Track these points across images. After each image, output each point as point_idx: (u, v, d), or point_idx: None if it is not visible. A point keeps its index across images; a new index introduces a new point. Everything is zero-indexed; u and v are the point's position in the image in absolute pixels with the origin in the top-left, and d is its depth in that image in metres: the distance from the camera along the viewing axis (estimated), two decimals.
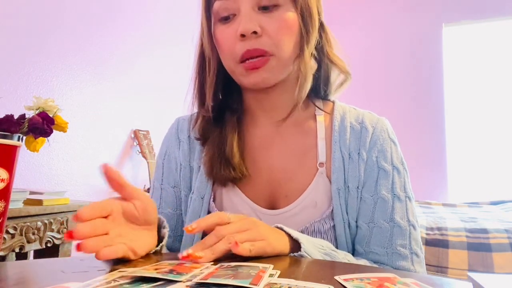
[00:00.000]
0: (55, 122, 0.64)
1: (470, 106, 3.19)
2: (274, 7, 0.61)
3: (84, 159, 1.89)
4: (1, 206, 0.47)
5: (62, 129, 0.68)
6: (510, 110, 3.07)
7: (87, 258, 0.49)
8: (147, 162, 2.16)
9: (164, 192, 0.73)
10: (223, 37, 0.63)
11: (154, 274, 0.38)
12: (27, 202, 1.22)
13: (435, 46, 3.28)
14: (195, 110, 0.72)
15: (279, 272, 0.40)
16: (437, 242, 1.51)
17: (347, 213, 0.64)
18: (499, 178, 3.01)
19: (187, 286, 0.35)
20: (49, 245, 1.24)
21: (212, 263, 0.45)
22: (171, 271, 0.40)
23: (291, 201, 0.64)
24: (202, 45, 0.69)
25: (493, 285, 0.32)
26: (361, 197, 0.65)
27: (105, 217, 0.46)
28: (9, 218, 1.10)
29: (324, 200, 0.64)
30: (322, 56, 0.69)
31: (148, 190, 1.04)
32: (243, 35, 0.59)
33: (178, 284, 0.35)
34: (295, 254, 0.51)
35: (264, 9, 0.61)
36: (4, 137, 0.51)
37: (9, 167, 0.48)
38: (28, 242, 1.17)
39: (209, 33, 0.65)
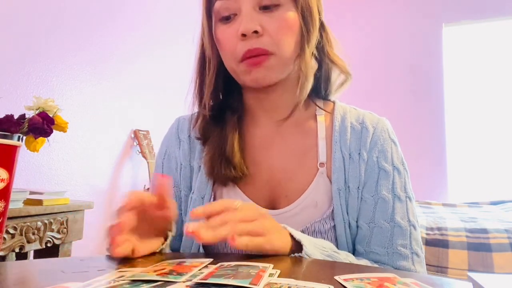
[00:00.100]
0: (55, 122, 0.64)
1: (470, 106, 3.19)
2: (275, 7, 0.61)
3: (84, 159, 1.89)
4: (1, 206, 0.47)
5: (62, 129, 0.68)
6: (510, 110, 3.07)
7: (87, 258, 0.50)
8: (147, 162, 2.16)
9: None
10: (224, 37, 0.63)
11: (153, 277, 0.38)
12: (27, 202, 1.22)
13: (435, 46, 3.28)
14: (196, 110, 0.72)
15: (279, 272, 0.40)
16: (437, 242, 1.51)
17: (347, 213, 0.64)
18: (499, 178, 3.01)
19: (187, 286, 0.35)
20: (49, 245, 1.24)
21: (211, 261, 0.45)
22: (171, 272, 0.40)
23: (292, 201, 0.64)
24: (202, 45, 0.69)
25: (493, 285, 0.32)
26: (361, 197, 0.65)
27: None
28: (9, 218, 1.10)
29: (325, 200, 0.64)
30: (322, 56, 0.69)
31: (148, 190, 1.04)
32: (244, 35, 0.59)
33: (178, 284, 0.35)
34: (296, 255, 0.51)
35: (265, 8, 0.61)
36: (4, 137, 0.51)
37: (9, 167, 0.48)
38: (28, 242, 1.17)
39: (209, 33, 0.66)
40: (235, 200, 0.51)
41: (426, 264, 0.96)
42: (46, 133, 0.62)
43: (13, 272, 0.44)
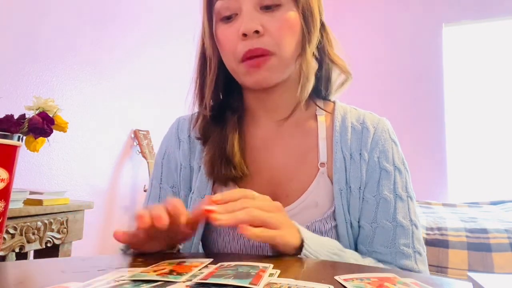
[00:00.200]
0: (55, 122, 0.64)
1: (470, 106, 3.20)
2: (276, 7, 0.61)
3: (84, 159, 1.89)
4: (1, 206, 0.47)
5: (62, 129, 0.68)
6: (510, 110, 3.07)
7: (87, 258, 0.50)
8: (147, 162, 2.16)
9: (162, 192, 0.73)
10: (224, 37, 0.63)
11: (154, 277, 0.38)
12: (27, 202, 1.22)
13: (435, 46, 3.28)
14: (196, 109, 0.72)
15: (279, 271, 0.40)
16: (437, 242, 1.51)
17: (349, 213, 0.64)
18: (499, 178, 3.01)
19: (187, 286, 0.35)
20: (49, 245, 1.24)
21: (211, 261, 0.45)
22: (171, 272, 0.40)
23: (292, 201, 0.64)
24: (203, 45, 0.69)
25: (493, 285, 0.32)
26: (363, 198, 0.65)
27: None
28: (9, 218, 1.10)
29: (325, 200, 0.64)
30: (323, 56, 0.69)
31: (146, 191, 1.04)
32: (245, 35, 0.59)
33: (178, 284, 0.35)
34: (302, 255, 0.51)
35: (266, 8, 0.61)
36: (4, 137, 0.51)
37: (9, 167, 0.48)
38: (28, 242, 1.17)
39: (210, 33, 0.66)
40: (251, 191, 0.51)
41: None
42: (46, 133, 0.62)
43: (13, 272, 0.44)
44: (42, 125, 0.61)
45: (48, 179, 1.69)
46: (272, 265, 0.42)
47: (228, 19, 0.63)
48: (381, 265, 0.60)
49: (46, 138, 0.64)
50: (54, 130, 0.65)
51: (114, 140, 2.11)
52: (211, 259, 0.46)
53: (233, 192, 0.50)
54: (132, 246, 0.52)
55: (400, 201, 0.64)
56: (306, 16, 0.63)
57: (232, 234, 0.65)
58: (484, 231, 1.51)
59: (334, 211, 0.63)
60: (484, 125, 3.13)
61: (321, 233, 0.63)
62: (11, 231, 1.12)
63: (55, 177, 1.73)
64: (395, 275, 0.41)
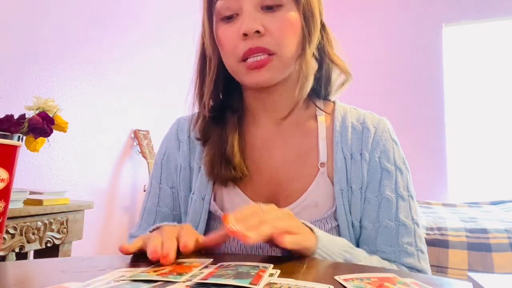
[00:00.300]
0: (55, 122, 0.64)
1: (470, 106, 3.19)
2: (277, 7, 0.61)
3: (84, 159, 1.89)
4: (1, 206, 0.47)
5: (62, 129, 0.67)
6: (510, 110, 3.07)
7: (87, 258, 0.50)
8: (147, 162, 2.16)
9: (162, 191, 0.73)
10: (225, 36, 0.63)
11: (154, 277, 0.38)
12: (27, 202, 1.22)
13: (435, 46, 3.28)
14: (196, 110, 0.72)
15: (279, 272, 0.41)
16: (437, 242, 1.51)
17: (350, 213, 0.64)
18: (499, 178, 3.01)
19: (187, 286, 0.35)
20: (49, 245, 1.24)
21: (211, 261, 0.45)
22: (171, 272, 0.40)
23: (292, 201, 0.64)
24: (203, 45, 0.69)
25: (493, 285, 0.32)
26: (365, 198, 0.65)
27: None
28: (9, 218, 1.10)
29: (326, 200, 0.64)
30: (323, 56, 0.69)
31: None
32: (245, 35, 0.59)
33: (178, 284, 0.35)
34: (316, 255, 0.51)
35: (267, 8, 0.61)
36: (4, 137, 0.51)
37: (9, 167, 0.48)
38: (28, 242, 1.17)
39: (210, 33, 0.65)
40: (258, 205, 0.50)
41: None
42: (46, 133, 0.62)
43: (13, 272, 0.44)
44: (42, 125, 0.61)
45: (48, 179, 1.69)
46: (272, 265, 0.42)
47: (228, 19, 0.63)
48: (386, 263, 0.61)
49: (46, 138, 0.64)
50: (54, 130, 0.65)
51: (114, 140, 2.11)
52: (211, 259, 0.46)
53: (243, 210, 0.48)
54: None
55: (401, 200, 0.64)
56: (307, 17, 0.63)
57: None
58: (484, 231, 1.51)
59: (335, 211, 0.63)
60: (484, 125, 3.13)
61: None
62: (11, 231, 1.12)
63: (55, 177, 1.73)
64: (395, 275, 0.41)
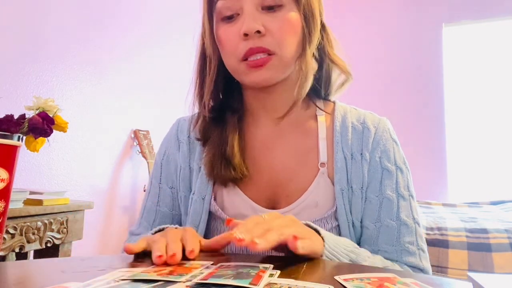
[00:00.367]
0: (55, 122, 0.64)
1: (470, 106, 3.19)
2: (278, 7, 0.61)
3: (84, 159, 1.89)
4: (1, 206, 0.47)
5: (62, 129, 0.67)
6: (510, 110, 3.07)
7: (87, 258, 0.50)
8: (147, 162, 2.16)
9: (162, 191, 0.74)
10: (226, 36, 0.63)
11: (154, 277, 0.38)
12: (27, 202, 1.22)
13: (435, 46, 3.28)
14: (196, 110, 0.72)
15: (279, 272, 0.41)
16: (437, 242, 1.51)
17: (351, 213, 0.64)
18: (499, 178, 3.01)
19: (187, 286, 0.35)
20: (49, 245, 1.24)
21: (212, 262, 0.45)
22: (171, 272, 0.40)
23: (292, 201, 0.64)
24: (203, 45, 0.69)
25: (493, 285, 0.32)
26: (366, 198, 0.65)
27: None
28: (9, 218, 1.10)
29: (326, 200, 0.64)
30: (323, 56, 0.69)
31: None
32: (246, 34, 0.59)
33: (178, 284, 0.35)
34: (324, 256, 0.51)
35: (268, 9, 0.61)
36: (4, 137, 0.51)
37: (9, 167, 0.48)
38: (28, 242, 1.17)
39: (211, 32, 0.65)
40: (260, 215, 0.49)
41: None
42: (46, 133, 0.62)
43: (13, 272, 0.44)
44: (42, 125, 0.61)
45: (48, 179, 1.69)
46: (272, 266, 0.42)
47: (229, 18, 0.63)
48: (389, 263, 0.61)
49: (46, 138, 0.64)
50: (54, 130, 0.65)
51: (114, 140, 2.11)
52: (211, 262, 0.46)
53: (247, 222, 0.47)
54: None
55: (402, 200, 0.64)
56: (307, 17, 0.63)
57: None
58: (484, 231, 1.51)
59: (335, 211, 0.64)
60: (484, 125, 3.13)
61: None
62: (11, 231, 1.12)
63: (55, 177, 1.73)
64: (395, 275, 0.41)
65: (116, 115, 2.10)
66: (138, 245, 0.49)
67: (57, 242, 1.27)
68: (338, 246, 0.53)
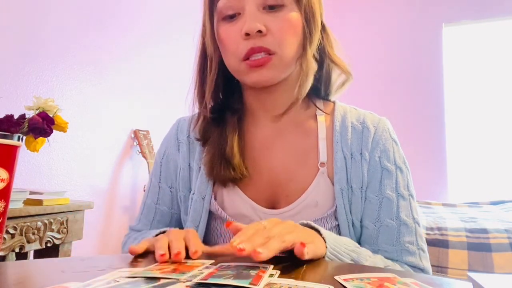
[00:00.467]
0: (55, 122, 0.64)
1: (470, 106, 3.19)
2: (279, 7, 0.61)
3: (84, 159, 1.89)
4: (1, 206, 0.47)
5: (62, 129, 0.67)
6: (510, 110, 3.07)
7: (87, 258, 0.50)
8: (147, 162, 2.16)
9: (161, 190, 0.74)
10: (227, 36, 0.63)
11: (156, 274, 0.38)
12: (27, 202, 1.22)
13: (435, 46, 3.28)
14: (196, 110, 0.72)
15: (279, 272, 0.41)
16: (437, 242, 1.51)
17: (351, 213, 0.64)
18: (499, 178, 3.01)
19: (187, 286, 0.35)
20: (49, 245, 1.24)
21: (213, 261, 0.45)
22: (174, 271, 0.40)
23: (292, 201, 0.64)
24: (203, 44, 0.69)
25: (493, 285, 0.32)
26: (365, 197, 0.65)
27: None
28: (9, 218, 1.10)
29: (326, 199, 0.64)
30: (323, 56, 0.69)
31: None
32: (247, 34, 0.59)
33: (178, 284, 0.35)
34: (327, 258, 0.51)
35: (269, 8, 0.61)
36: (4, 137, 0.51)
37: (9, 167, 0.48)
38: (28, 242, 1.17)
39: (211, 32, 0.65)
40: (259, 222, 0.49)
41: None
42: (46, 133, 0.62)
43: (13, 272, 0.44)
44: (42, 125, 0.61)
45: (48, 179, 1.69)
46: (272, 266, 0.42)
47: (230, 18, 0.63)
48: (390, 262, 0.61)
49: (46, 138, 0.64)
50: (54, 130, 0.65)
51: (114, 140, 2.11)
52: (213, 261, 0.46)
53: (246, 230, 0.46)
54: None
55: (402, 199, 0.64)
56: (308, 17, 0.63)
57: (232, 235, 0.65)
58: (484, 231, 1.51)
59: (335, 210, 0.64)
60: (484, 125, 3.13)
61: None
62: (11, 231, 1.12)
63: (55, 177, 1.73)
64: (395, 275, 0.41)
65: (116, 115, 2.10)
66: (141, 246, 0.51)
67: (57, 242, 1.27)
68: (339, 246, 0.53)
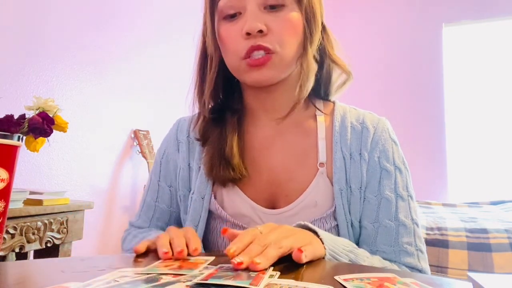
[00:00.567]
0: (55, 122, 0.64)
1: (470, 106, 3.19)
2: (280, 7, 0.61)
3: (84, 159, 1.89)
4: (1, 206, 0.47)
5: (62, 129, 0.67)
6: (510, 110, 3.07)
7: (87, 258, 0.50)
8: (147, 162, 2.16)
9: (160, 189, 0.75)
10: (228, 35, 0.63)
11: (163, 270, 0.39)
12: (27, 202, 1.22)
13: (435, 46, 3.28)
14: (196, 109, 0.72)
15: (279, 273, 0.41)
16: (437, 242, 1.51)
17: (349, 213, 0.64)
18: (499, 178, 3.01)
19: (187, 286, 0.35)
20: (49, 245, 1.24)
21: (215, 259, 0.45)
22: (180, 267, 0.42)
23: (291, 201, 0.65)
24: (204, 43, 0.69)
25: (493, 285, 0.32)
26: (364, 198, 0.65)
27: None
28: (9, 218, 1.10)
29: (325, 199, 0.64)
30: (324, 56, 0.70)
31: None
32: (248, 34, 0.59)
33: (178, 284, 0.35)
34: (326, 258, 0.51)
35: (270, 8, 0.61)
36: (4, 137, 0.51)
37: (9, 167, 0.48)
38: (28, 242, 1.17)
39: (212, 31, 0.65)
40: (256, 228, 0.49)
41: None
42: (46, 133, 0.62)
43: (13, 272, 0.44)
44: (42, 125, 0.61)
45: (48, 179, 1.69)
46: (272, 266, 0.42)
47: (231, 17, 0.63)
48: (387, 263, 0.61)
49: (46, 138, 0.64)
50: (54, 130, 0.65)
51: (114, 140, 2.11)
52: (214, 257, 0.46)
53: (242, 238, 0.45)
54: None
55: (401, 200, 0.64)
56: (309, 17, 0.63)
57: None
58: (484, 231, 1.51)
59: (334, 210, 0.64)
60: (484, 125, 3.13)
61: None
62: (11, 231, 1.12)
63: (55, 177, 1.73)
64: (395, 275, 0.41)
65: (116, 115, 2.10)
66: (143, 245, 0.52)
67: (57, 242, 1.27)
68: (337, 247, 0.53)
